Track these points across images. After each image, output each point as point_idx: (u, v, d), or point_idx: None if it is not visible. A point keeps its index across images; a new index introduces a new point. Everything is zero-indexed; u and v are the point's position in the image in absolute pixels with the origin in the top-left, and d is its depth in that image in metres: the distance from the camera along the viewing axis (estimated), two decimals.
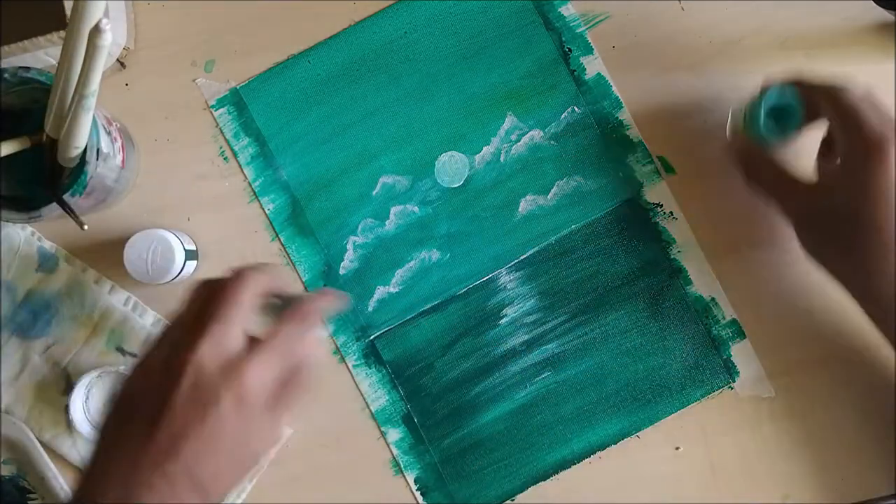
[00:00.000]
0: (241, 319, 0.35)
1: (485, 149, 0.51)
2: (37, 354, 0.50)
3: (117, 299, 0.50)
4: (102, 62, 0.38)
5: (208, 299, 0.35)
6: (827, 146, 0.46)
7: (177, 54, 0.51)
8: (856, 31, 0.51)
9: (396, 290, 0.51)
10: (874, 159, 0.40)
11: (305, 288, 0.51)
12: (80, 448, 0.50)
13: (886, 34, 0.51)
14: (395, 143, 0.51)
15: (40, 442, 0.50)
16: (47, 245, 0.51)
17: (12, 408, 0.50)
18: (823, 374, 0.51)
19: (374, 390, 0.51)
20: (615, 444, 0.51)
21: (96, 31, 0.36)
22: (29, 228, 0.51)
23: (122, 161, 0.47)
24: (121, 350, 0.50)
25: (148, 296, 0.51)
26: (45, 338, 0.50)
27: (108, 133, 0.45)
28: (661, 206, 0.51)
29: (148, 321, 0.51)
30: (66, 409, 0.50)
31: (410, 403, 0.51)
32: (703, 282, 0.51)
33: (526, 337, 0.51)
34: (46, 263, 0.50)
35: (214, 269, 0.51)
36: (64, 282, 0.50)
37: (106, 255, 0.51)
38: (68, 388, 0.50)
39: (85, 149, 0.43)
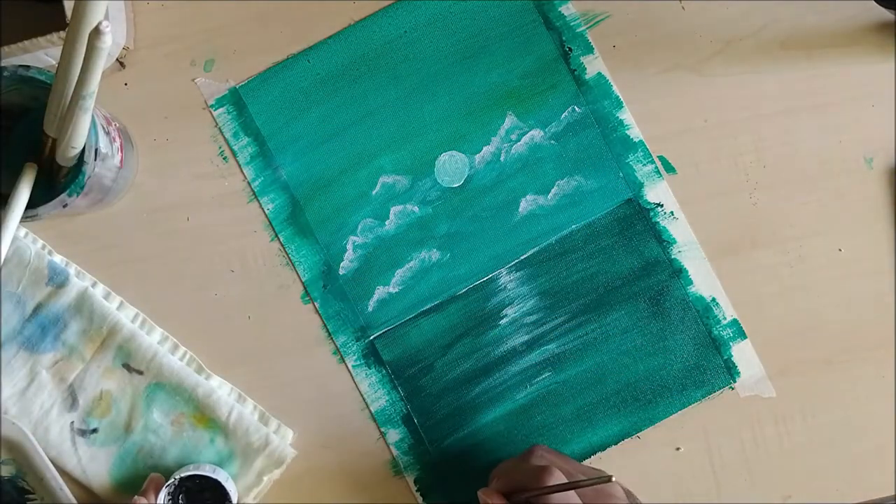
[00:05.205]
0: None
1: (485, 148, 0.51)
2: (44, 369, 0.50)
3: (126, 315, 0.50)
4: (102, 64, 0.38)
5: None
6: None
7: (176, 54, 0.51)
8: (856, 31, 0.51)
9: (396, 290, 0.51)
10: None
11: (304, 288, 0.51)
12: (85, 466, 0.50)
13: (886, 34, 0.51)
14: (394, 142, 0.51)
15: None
16: (58, 259, 0.50)
17: (18, 423, 0.50)
18: (823, 374, 0.51)
19: (373, 391, 0.51)
20: (616, 444, 0.51)
21: (96, 32, 0.36)
22: (40, 242, 0.51)
23: (121, 161, 0.47)
24: (127, 367, 0.50)
25: (157, 313, 0.51)
26: (53, 352, 0.50)
27: (107, 133, 0.45)
28: (662, 206, 0.51)
29: (155, 338, 0.50)
30: (72, 425, 0.50)
31: (410, 404, 0.51)
32: (703, 282, 0.51)
33: (526, 337, 0.51)
34: (57, 278, 0.50)
35: (216, 264, 0.51)
36: (73, 297, 0.50)
37: (105, 256, 0.51)
38: (74, 404, 0.50)
39: (83, 149, 0.42)
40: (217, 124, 0.51)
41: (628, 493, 0.43)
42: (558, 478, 0.40)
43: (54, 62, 0.46)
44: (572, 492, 0.40)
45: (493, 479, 0.44)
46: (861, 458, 0.51)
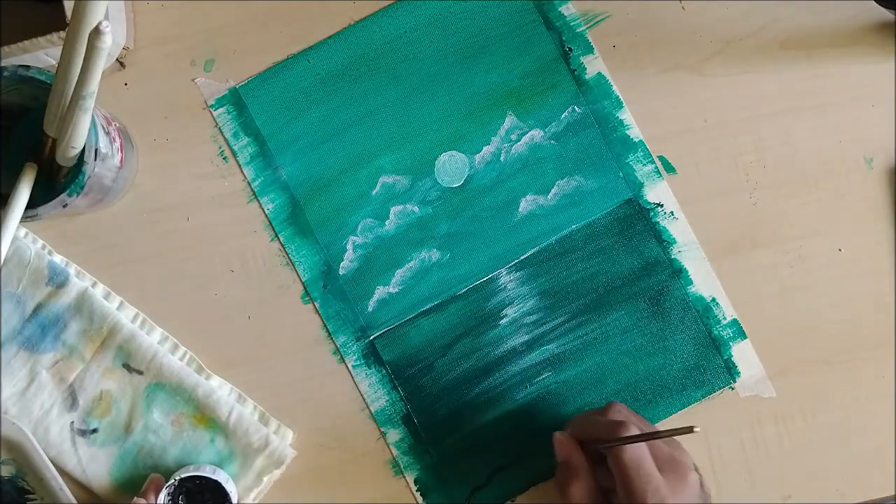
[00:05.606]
0: None
1: (485, 148, 0.51)
2: (44, 369, 0.50)
3: (126, 315, 0.50)
4: (102, 64, 0.38)
5: None
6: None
7: (176, 54, 0.51)
8: (856, 31, 0.51)
9: (396, 290, 0.51)
10: None
11: (304, 288, 0.51)
12: (85, 466, 0.50)
13: (886, 34, 0.51)
14: (394, 142, 0.51)
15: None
16: (58, 259, 0.50)
17: (18, 423, 0.50)
18: (823, 374, 0.51)
19: (373, 391, 0.51)
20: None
21: (96, 33, 0.36)
22: (40, 242, 0.51)
23: (121, 161, 0.47)
24: (127, 367, 0.50)
25: (157, 313, 0.51)
26: (53, 353, 0.50)
27: (107, 133, 0.45)
28: (662, 205, 0.51)
29: (155, 338, 0.50)
30: (72, 425, 0.50)
31: (410, 404, 0.51)
32: (703, 282, 0.51)
33: (526, 337, 0.51)
34: (57, 278, 0.50)
35: (216, 264, 0.51)
36: (73, 297, 0.50)
37: (105, 256, 0.51)
38: (74, 404, 0.50)
39: (83, 149, 0.42)
40: (217, 124, 0.51)
41: (700, 479, 0.42)
42: (633, 433, 0.40)
43: (54, 62, 0.46)
44: (645, 449, 0.40)
45: (568, 428, 0.45)
46: (861, 458, 0.51)
